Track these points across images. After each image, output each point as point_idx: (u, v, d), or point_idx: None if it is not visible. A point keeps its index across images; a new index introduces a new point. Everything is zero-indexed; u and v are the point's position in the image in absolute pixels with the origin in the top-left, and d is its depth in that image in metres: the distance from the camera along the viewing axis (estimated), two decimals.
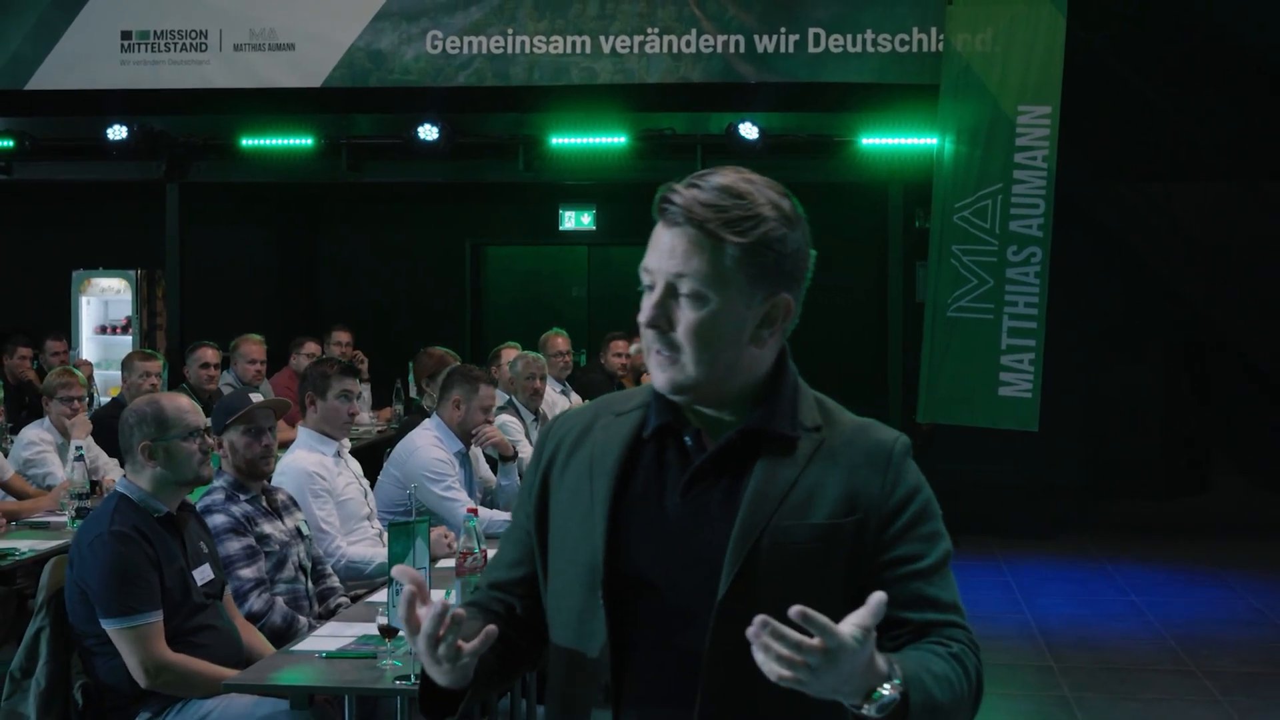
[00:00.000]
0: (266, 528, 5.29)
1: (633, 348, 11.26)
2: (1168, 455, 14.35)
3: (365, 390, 10.41)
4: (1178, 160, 13.37)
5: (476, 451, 7.21)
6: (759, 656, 2.04)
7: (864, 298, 14.25)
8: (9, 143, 12.99)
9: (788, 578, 2.27)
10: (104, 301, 13.96)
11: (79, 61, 12.36)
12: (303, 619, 5.17)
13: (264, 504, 5.37)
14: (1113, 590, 10.16)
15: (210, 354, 9.50)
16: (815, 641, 1.99)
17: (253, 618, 5.03)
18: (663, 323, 2.31)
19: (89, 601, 4.49)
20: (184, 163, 13.19)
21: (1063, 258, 12.09)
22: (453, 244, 15.59)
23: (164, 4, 12.36)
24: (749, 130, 12.12)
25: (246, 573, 5.13)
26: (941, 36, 11.64)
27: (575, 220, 15.38)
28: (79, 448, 7.18)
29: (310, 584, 5.42)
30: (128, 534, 4.52)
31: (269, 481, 5.51)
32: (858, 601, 2.12)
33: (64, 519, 6.90)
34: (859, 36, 11.83)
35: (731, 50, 11.92)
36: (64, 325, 13.22)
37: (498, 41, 12.12)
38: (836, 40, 11.85)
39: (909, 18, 11.80)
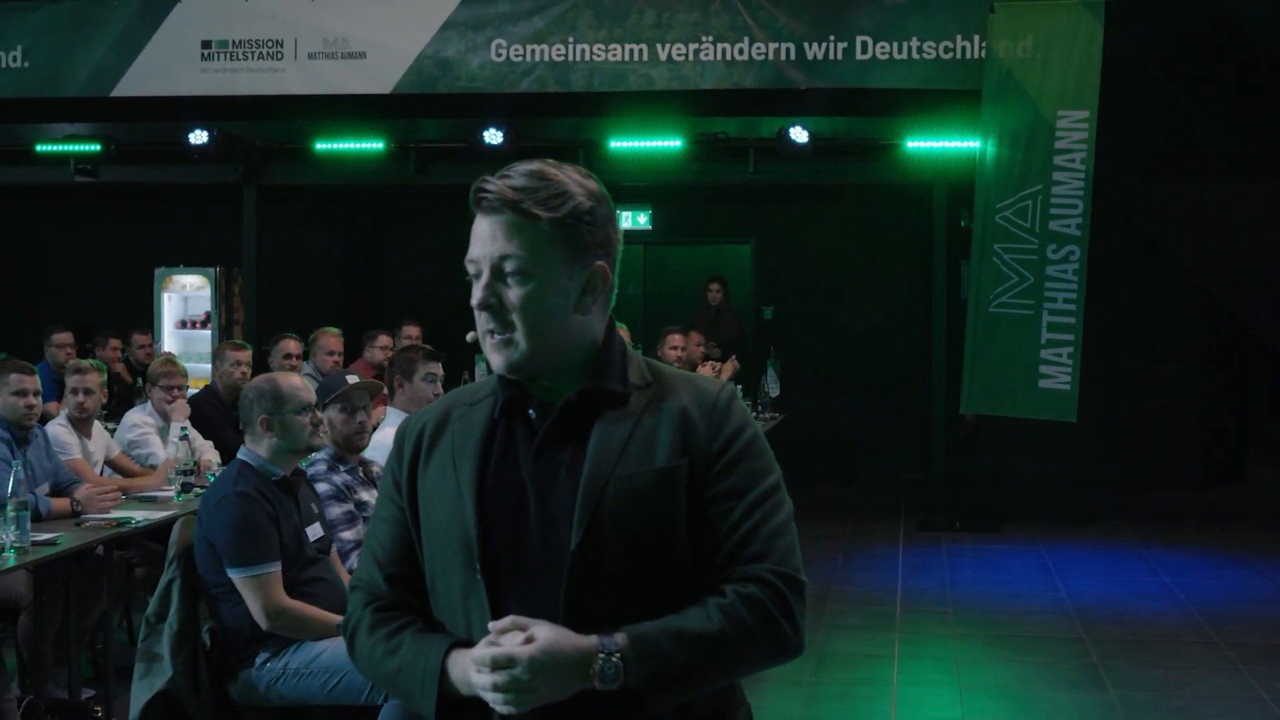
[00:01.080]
0: (364, 495, 5.89)
1: (692, 341, 11.80)
2: (1203, 448, 14.75)
3: None
4: (1212, 162, 13.71)
5: None
6: (492, 698, 2.34)
7: (909, 295, 14.68)
8: (95, 147, 13.67)
9: (635, 522, 2.41)
10: (184, 298, 14.55)
11: (161, 70, 12.90)
12: None
13: (361, 474, 5.97)
14: (1145, 571, 10.65)
15: (293, 345, 10.09)
16: (489, 652, 2.33)
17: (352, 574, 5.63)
18: (494, 302, 2.47)
19: (216, 554, 5.09)
20: (260, 166, 13.84)
21: (1101, 256, 12.47)
22: None
23: (242, 15, 12.87)
24: (799, 134, 12.63)
25: (347, 535, 5.73)
26: (984, 44, 12.05)
27: (631, 220, 15.88)
28: (183, 429, 7.81)
29: None
30: (250, 494, 5.13)
31: (363, 454, 6.11)
32: (700, 542, 2.44)
33: (170, 493, 7.50)
34: (905, 44, 12.23)
35: (783, 57, 12.36)
36: (147, 320, 13.83)
37: (559, 50, 12.61)
38: (883, 48, 12.25)
39: (952, 26, 12.20)
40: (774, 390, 12.00)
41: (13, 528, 5.93)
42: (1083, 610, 9.33)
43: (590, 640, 2.33)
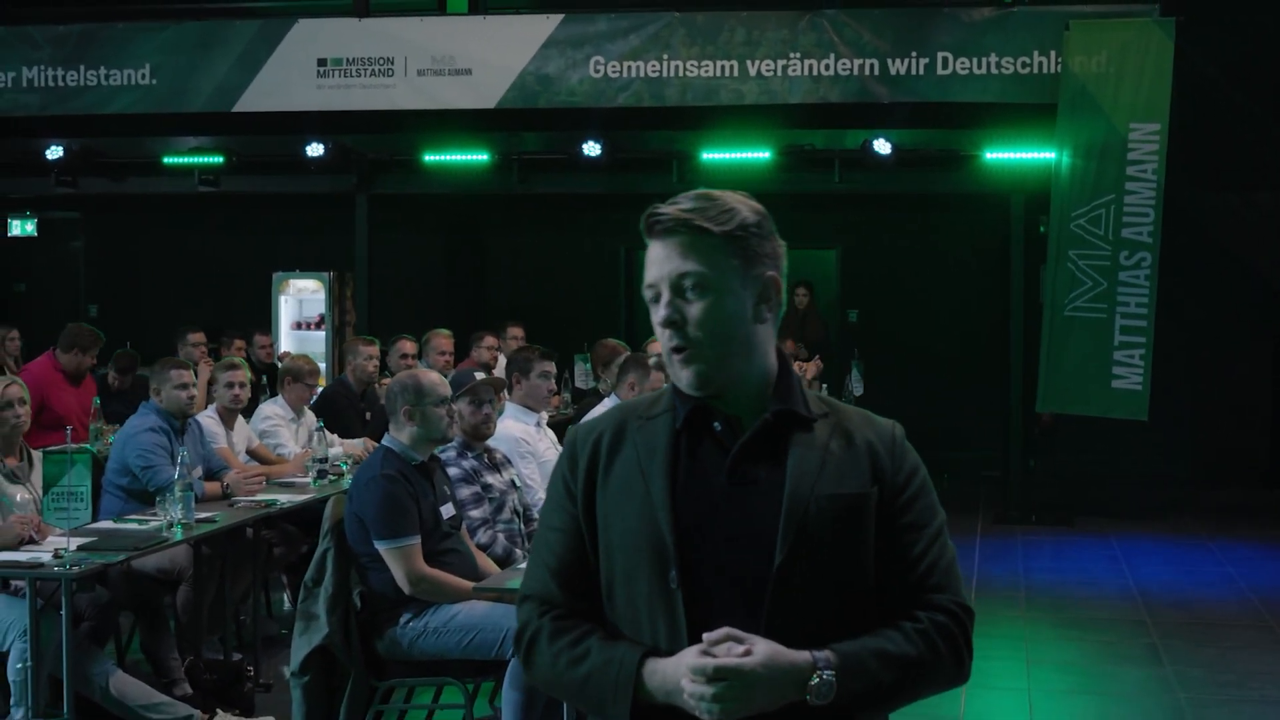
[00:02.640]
0: (489, 479, 6.64)
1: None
2: (1273, 446, 15.25)
3: None
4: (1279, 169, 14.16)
5: None
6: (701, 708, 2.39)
7: (988, 298, 15.20)
8: (218, 159, 14.52)
9: (833, 541, 2.50)
10: (299, 300, 15.37)
11: (279, 86, 13.69)
12: (518, 551, 6.50)
13: (486, 460, 6.72)
14: (1210, 562, 11.21)
15: (409, 345, 10.88)
16: (709, 662, 2.38)
17: (481, 548, 6.38)
18: (677, 319, 2.52)
19: (365, 527, 5.84)
20: (372, 176, 14.63)
21: (1173, 262, 13.01)
22: (608, 249, 16.78)
23: (355, 34, 13.66)
24: (883, 146, 13.24)
25: (475, 513, 6.48)
26: (1059, 59, 12.57)
27: None
28: (320, 422, 8.61)
29: (522, 525, 6.76)
30: (394, 476, 5.88)
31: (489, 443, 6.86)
32: (881, 566, 2.55)
33: (306, 480, 8.30)
34: (983, 60, 12.80)
35: (867, 73, 12.95)
36: (265, 322, 14.66)
37: (654, 66, 13.27)
38: (963, 63, 12.82)
39: (1029, 42, 12.75)
40: (858, 389, 12.64)
41: (179, 507, 6.74)
42: (1147, 596, 9.92)
43: (805, 656, 2.41)
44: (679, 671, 2.44)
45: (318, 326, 15.21)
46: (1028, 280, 13.60)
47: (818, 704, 2.41)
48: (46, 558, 6.02)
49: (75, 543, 6.08)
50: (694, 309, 2.53)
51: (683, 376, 2.56)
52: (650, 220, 2.59)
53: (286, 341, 14.98)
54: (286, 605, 9.33)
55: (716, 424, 2.57)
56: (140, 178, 14.99)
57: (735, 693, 2.39)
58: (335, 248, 15.20)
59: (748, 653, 2.39)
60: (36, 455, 6.86)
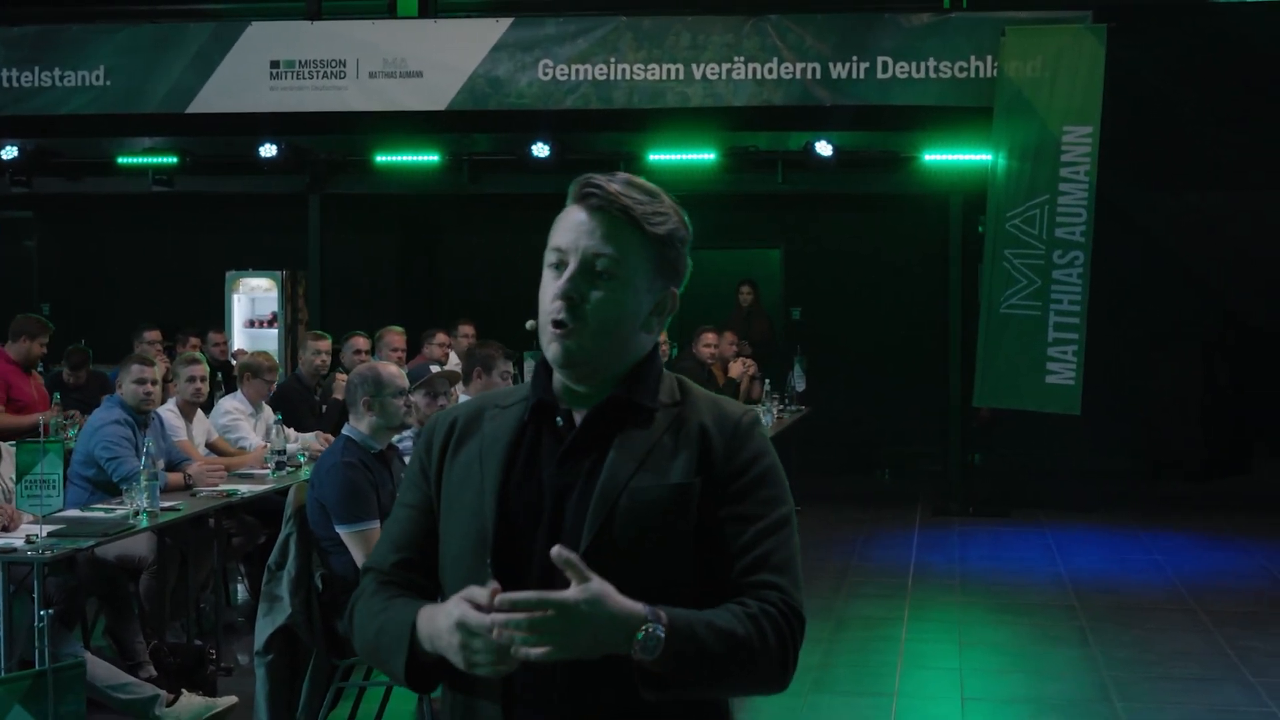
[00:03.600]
0: None
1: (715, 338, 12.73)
2: (1209, 440, 15.68)
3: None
4: (1210, 170, 14.56)
5: None
6: (515, 644, 2.22)
7: (927, 296, 15.53)
8: (172, 159, 14.68)
9: (642, 534, 2.40)
10: (252, 299, 15.56)
11: (233, 88, 13.91)
12: None
13: None
14: (1140, 551, 11.60)
15: (362, 342, 11.13)
16: (530, 594, 2.22)
17: None
18: (575, 295, 2.44)
19: (326, 512, 6.12)
20: (324, 176, 14.82)
21: (1108, 260, 13.39)
22: None
23: (308, 37, 13.91)
24: (824, 148, 13.56)
25: None
26: (995, 64, 12.94)
27: None
28: (279, 416, 8.87)
29: None
30: (354, 463, 6.16)
31: None
32: (706, 561, 2.43)
33: (265, 472, 8.57)
34: (922, 64, 13.16)
35: (809, 76, 13.29)
36: (218, 320, 14.87)
37: (602, 69, 13.56)
38: (902, 67, 13.18)
39: (966, 47, 13.11)
40: (799, 385, 12.98)
41: (145, 496, 6.99)
42: (1078, 583, 10.30)
43: (638, 605, 2.28)
44: (443, 611, 2.35)
45: (270, 325, 15.42)
46: (966, 279, 13.91)
47: (641, 659, 2.27)
48: (19, 543, 6.27)
49: (46, 529, 6.34)
50: (596, 294, 2.46)
51: (552, 349, 2.48)
52: (585, 189, 2.50)
53: (240, 339, 15.19)
54: (242, 595, 9.61)
55: (559, 418, 2.53)
56: (95, 178, 15.14)
57: (553, 626, 2.23)
58: (288, 247, 15.39)
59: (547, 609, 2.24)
60: (5, 447, 7.11)
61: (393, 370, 6.47)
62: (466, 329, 13.05)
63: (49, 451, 6.21)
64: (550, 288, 2.48)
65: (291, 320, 15.32)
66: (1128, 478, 14.82)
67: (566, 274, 2.46)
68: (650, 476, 2.45)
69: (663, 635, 2.27)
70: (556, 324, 2.45)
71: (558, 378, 2.54)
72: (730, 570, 2.44)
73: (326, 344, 10.46)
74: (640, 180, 2.53)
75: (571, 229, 2.48)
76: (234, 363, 12.73)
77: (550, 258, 2.50)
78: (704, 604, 2.39)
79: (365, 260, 16.74)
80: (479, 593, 2.29)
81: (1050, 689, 7.76)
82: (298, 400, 10.04)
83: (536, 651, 2.23)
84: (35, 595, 6.15)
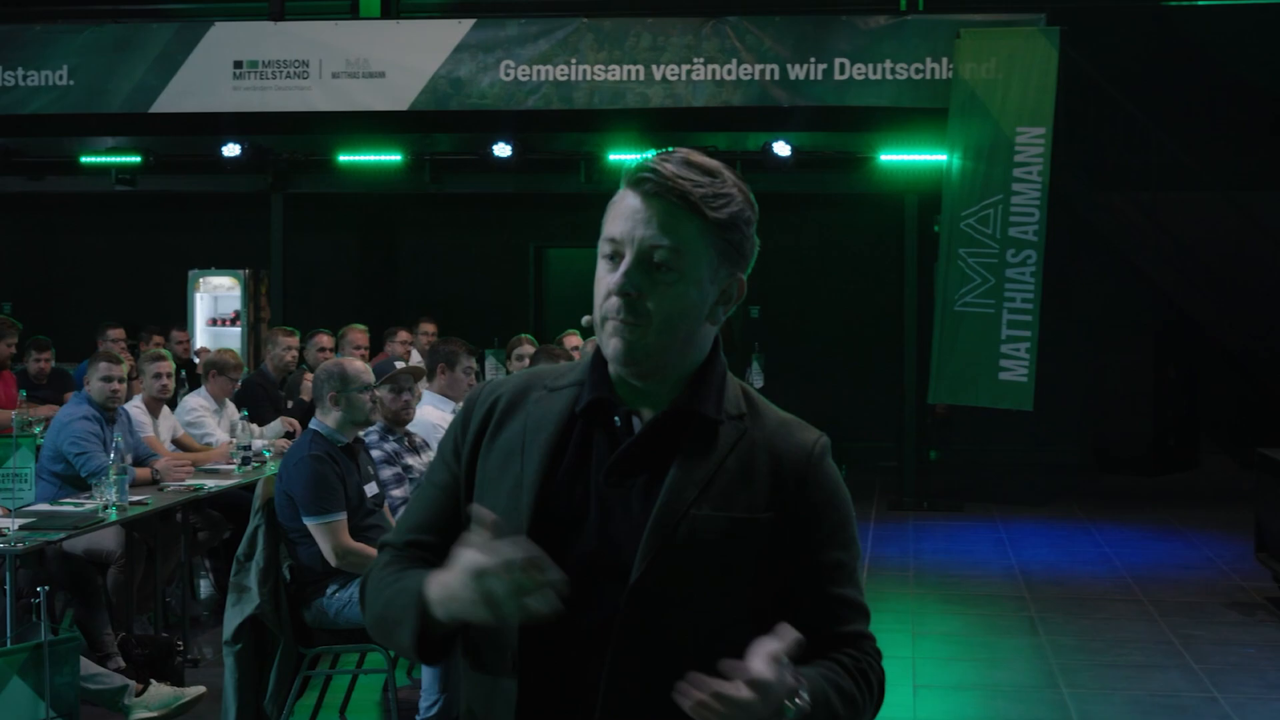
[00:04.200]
0: (409, 460, 7.10)
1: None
2: (1157, 436, 15.96)
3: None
4: (1161, 171, 14.81)
5: None
6: (692, 709, 2.08)
7: (884, 295, 15.76)
8: (135, 158, 14.79)
9: (700, 568, 2.24)
10: (215, 297, 15.66)
11: (196, 88, 14.02)
12: None
13: (406, 443, 7.18)
14: (1089, 544, 11.84)
15: (326, 340, 11.27)
16: (743, 693, 2.06)
17: None
18: (633, 290, 2.26)
19: (294, 504, 6.27)
20: (287, 176, 14.98)
21: (1061, 259, 13.66)
22: (518, 247, 17.15)
23: (271, 38, 14.04)
24: (782, 148, 13.75)
25: (397, 493, 6.93)
26: (950, 66, 13.18)
27: None
28: (244, 412, 9.01)
29: None
30: (321, 456, 6.31)
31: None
32: (781, 599, 2.28)
33: (231, 467, 8.70)
34: (879, 66, 13.37)
35: (767, 78, 13.50)
36: (181, 318, 14.96)
37: (562, 70, 13.74)
38: (859, 69, 13.40)
39: (922, 49, 13.34)
40: (758, 381, 13.20)
41: (114, 490, 7.13)
42: (1028, 574, 10.53)
43: (789, 677, 2.12)
44: (456, 565, 2.18)
45: (233, 323, 15.52)
46: (921, 277, 14.13)
47: None
48: None
49: (17, 523, 6.47)
50: (655, 288, 2.27)
51: (611, 345, 2.29)
52: (640, 174, 2.30)
53: (202, 337, 15.29)
54: (206, 589, 9.73)
55: (616, 418, 2.33)
56: (57, 176, 15.24)
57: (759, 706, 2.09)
58: (251, 246, 15.53)
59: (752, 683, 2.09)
60: None
61: (358, 366, 6.63)
62: (428, 327, 13.19)
63: (20, 446, 6.35)
64: (605, 281, 2.30)
65: (254, 318, 15.42)
66: (1078, 472, 15.08)
67: (623, 267, 2.28)
68: (714, 505, 2.27)
69: (808, 709, 2.14)
70: (617, 319, 2.28)
71: (614, 371, 2.35)
72: (817, 617, 2.29)
73: (295, 340, 10.64)
74: (699, 157, 2.33)
75: (626, 217, 2.30)
76: (197, 360, 12.84)
77: (604, 248, 2.32)
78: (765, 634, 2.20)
79: (327, 259, 16.85)
80: (477, 536, 2.15)
81: (1000, 676, 7.97)
82: (263, 396, 10.19)
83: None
84: (8, 587, 6.28)
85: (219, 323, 15.62)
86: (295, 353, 10.59)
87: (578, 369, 2.42)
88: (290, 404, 10.64)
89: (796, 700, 2.13)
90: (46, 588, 5.50)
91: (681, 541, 2.24)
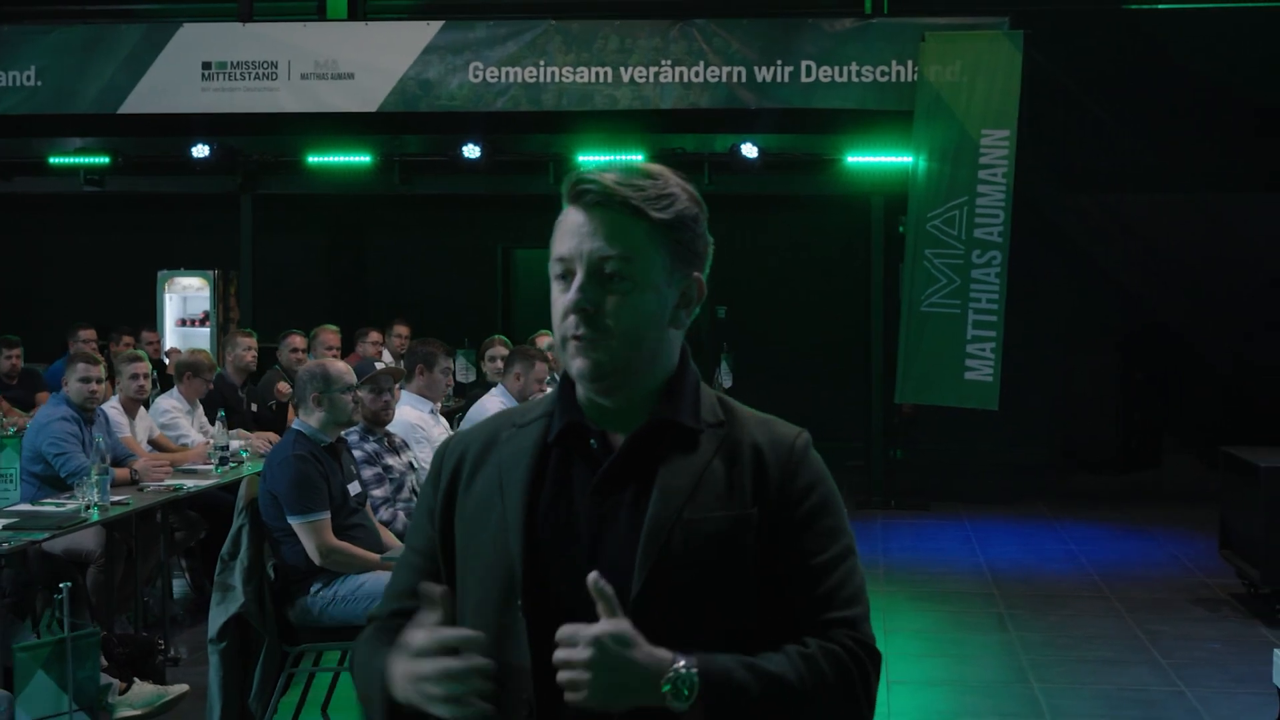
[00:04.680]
0: (390, 460, 7.17)
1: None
2: (1123, 435, 16.12)
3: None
4: (1127, 173, 14.97)
5: None
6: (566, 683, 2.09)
7: (850, 295, 15.87)
8: (104, 159, 14.80)
9: (700, 570, 2.21)
10: (184, 298, 15.66)
11: (165, 88, 13.99)
12: None
13: (386, 444, 7.25)
14: (1055, 541, 11.99)
15: (299, 340, 11.36)
16: (569, 629, 2.08)
17: (383, 524, 6.90)
18: (589, 306, 2.23)
19: (278, 503, 6.33)
20: (256, 177, 15.02)
21: (1028, 261, 13.78)
22: (485, 248, 17.17)
23: (240, 38, 14.03)
24: (749, 150, 13.86)
25: (378, 492, 7.00)
26: (916, 68, 13.27)
27: None
28: (222, 413, 9.06)
29: None
30: (305, 456, 6.38)
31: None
32: (768, 600, 2.24)
33: (208, 467, 8.75)
34: (845, 68, 13.47)
35: (735, 80, 13.58)
36: (150, 319, 14.98)
37: (531, 72, 13.79)
38: (825, 71, 13.49)
39: (888, 52, 13.43)
40: (727, 381, 13.29)
41: (95, 490, 7.18)
42: (996, 572, 10.66)
43: (664, 651, 2.12)
44: (401, 654, 2.21)
45: (202, 323, 15.54)
46: (887, 278, 14.25)
47: (674, 707, 2.11)
48: None
49: (1, 523, 6.52)
50: (611, 301, 2.24)
51: (575, 364, 2.27)
52: (578, 186, 2.27)
53: (171, 338, 15.30)
54: (181, 589, 9.77)
55: (592, 440, 2.30)
56: (25, 177, 15.23)
57: (599, 667, 2.09)
58: (220, 246, 15.53)
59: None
60: None
61: (341, 367, 6.70)
62: (401, 329, 13.27)
63: (5, 447, 6.41)
64: (560, 302, 2.28)
65: (223, 319, 15.44)
66: (1044, 471, 15.23)
67: (575, 284, 2.25)
68: (704, 506, 2.24)
69: (696, 679, 2.11)
70: (577, 338, 2.25)
71: (583, 393, 2.32)
72: (795, 610, 2.26)
73: (254, 341, 10.80)
74: (639, 164, 2.33)
75: (572, 233, 2.27)
76: (167, 361, 12.88)
77: (555, 269, 2.30)
78: (770, 648, 2.21)
79: (296, 260, 16.85)
80: (419, 632, 2.16)
81: (971, 671, 8.10)
82: (226, 396, 10.26)
83: (575, 696, 2.09)
84: None
85: (188, 323, 15.63)
86: (254, 353, 10.75)
87: (545, 402, 2.40)
88: (254, 407, 10.73)
89: (677, 669, 2.10)
90: (69, 584, 5.56)
91: (677, 548, 2.20)
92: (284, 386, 10.83)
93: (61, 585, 5.17)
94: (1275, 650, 5.97)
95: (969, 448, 15.22)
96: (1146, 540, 12.03)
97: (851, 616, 2.26)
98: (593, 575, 2.11)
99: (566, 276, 2.27)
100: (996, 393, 13.11)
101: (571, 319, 2.25)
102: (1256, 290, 15.25)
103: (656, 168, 2.32)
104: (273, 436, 10.08)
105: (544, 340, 11.12)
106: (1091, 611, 9.47)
